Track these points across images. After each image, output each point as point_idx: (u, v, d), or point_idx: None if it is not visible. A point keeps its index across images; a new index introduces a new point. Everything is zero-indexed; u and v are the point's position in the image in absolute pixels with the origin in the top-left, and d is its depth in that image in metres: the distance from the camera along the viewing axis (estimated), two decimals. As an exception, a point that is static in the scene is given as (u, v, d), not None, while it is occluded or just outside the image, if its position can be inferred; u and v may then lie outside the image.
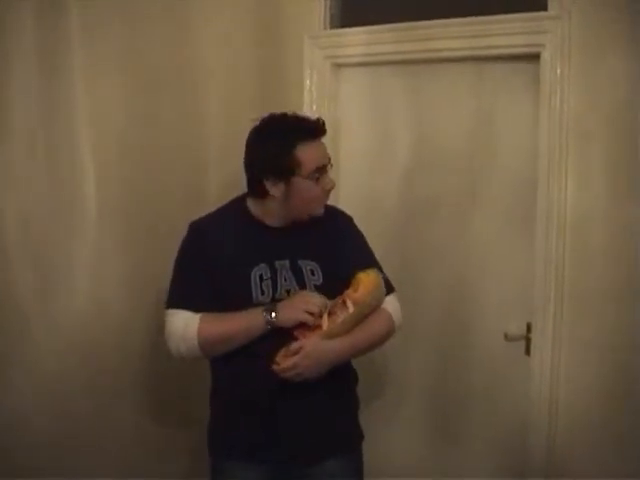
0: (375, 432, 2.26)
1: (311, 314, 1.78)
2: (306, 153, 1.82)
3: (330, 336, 1.78)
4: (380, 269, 1.93)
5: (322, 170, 1.85)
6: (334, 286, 1.85)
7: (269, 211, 1.89)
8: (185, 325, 1.83)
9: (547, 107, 2.10)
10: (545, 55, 2.10)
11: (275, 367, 1.77)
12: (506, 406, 2.29)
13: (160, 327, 2.12)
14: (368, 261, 1.92)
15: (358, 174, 2.56)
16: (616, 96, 2.01)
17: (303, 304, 1.78)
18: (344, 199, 2.44)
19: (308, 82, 2.56)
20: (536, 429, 2.18)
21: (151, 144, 2.19)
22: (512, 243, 2.28)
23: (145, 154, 2.18)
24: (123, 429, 2.15)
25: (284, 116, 1.86)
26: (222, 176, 2.33)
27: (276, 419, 1.85)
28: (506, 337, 2.26)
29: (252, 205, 1.92)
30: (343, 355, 1.82)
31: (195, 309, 1.85)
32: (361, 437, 2.01)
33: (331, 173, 1.90)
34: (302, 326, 1.79)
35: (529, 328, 2.22)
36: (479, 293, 2.36)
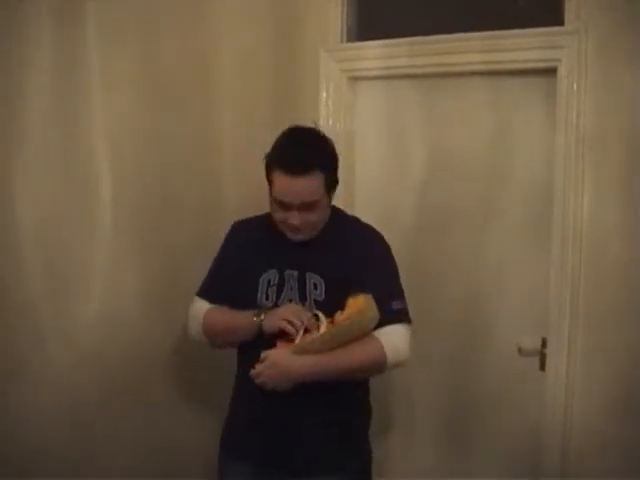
0: (387, 447, 2.26)
1: (292, 326, 1.78)
2: (276, 180, 1.83)
3: (300, 351, 1.76)
4: (402, 300, 1.87)
5: (283, 206, 1.83)
6: (339, 305, 1.81)
7: None
8: (198, 311, 1.97)
9: (563, 122, 2.09)
10: (562, 70, 2.09)
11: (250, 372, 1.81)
12: (519, 423, 2.27)
13: (176, 338, 2.18)
14: (384, 289, 1.84)
15: (373, 187, 2.55)
16: (633, 111, 2.00)
17: (286, 314, 1.80)
18: (359, 212, 2.38)
19: (324, 95, 2.55)
20: (550, 447, 2.15)
21: (168, 155, 2.19)
22: (527, 256, 2.26)
23: (162, 164, 2.18)
24: (138, 440, 2.14)
25: (289, 133, 1.86)
26: (239, 188, 2.34)
27: (269, 428, 1.88)
28: (520, 352, 2.24)
29: None
30: (310, 372, 1.76)
31: (211, 300, 1.98)
32: (362, 460, 1.98)
33: (313, 216, 1.83)
34: (284, 337, 1.80)
35: (544, 343, 2.20)
36: (493, 306, 2.34)
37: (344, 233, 1.93)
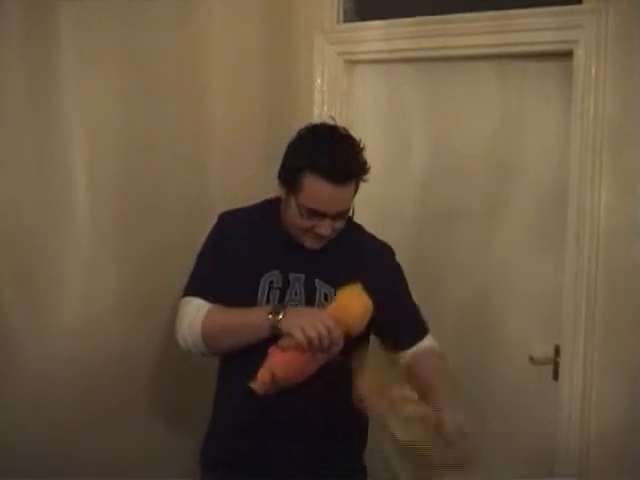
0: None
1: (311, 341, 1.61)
2: (310, 186, 1.68)
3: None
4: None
5: (315, 214, 1.70)
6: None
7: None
8: (197, 312, 1.77)
9: (580, 110, 2.05)
10: (578, 52, 2.05)
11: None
12: (533, 436, 2.21)
13: (158, 345, 2.10)
14: (413, 305, 1.87)
15: (371, 180, 2.37)
16: (657, 97, 1.97)
17: (320, 323, 1.60)
18: (356, 208, 2.32)
19: (319, 81, 2.49)
20: (565, 462, 2.11)
21: (149, 150, 2.10)
22: (539, 258, 2.21)
23: (142, 160, 2.09)
24: (118, 449, 2.07)
25: (324, 135, 1.73)
26: (225, 186, 2.25)
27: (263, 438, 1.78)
28: (532, 361, 2.20)
29: (282, 206, 1.83)
30: None
31: (211, 299, 1.78)
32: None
33: (341, 224, 1.74)
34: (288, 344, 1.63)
35: (557, 351, 2.16)
36: (502, 312, 2.29)
37: (360, 245, 1.85)
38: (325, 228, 1.71)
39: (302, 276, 1.77)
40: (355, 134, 2.31)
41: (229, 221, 1.87)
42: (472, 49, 2.22)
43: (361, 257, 1.81)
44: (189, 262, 1.92)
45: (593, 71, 2.01)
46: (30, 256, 1.89)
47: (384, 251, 1.87)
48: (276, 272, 1.77)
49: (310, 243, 1.76)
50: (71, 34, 1.90)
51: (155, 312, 2.06)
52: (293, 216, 1.73)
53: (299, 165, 1.69)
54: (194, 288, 1.81)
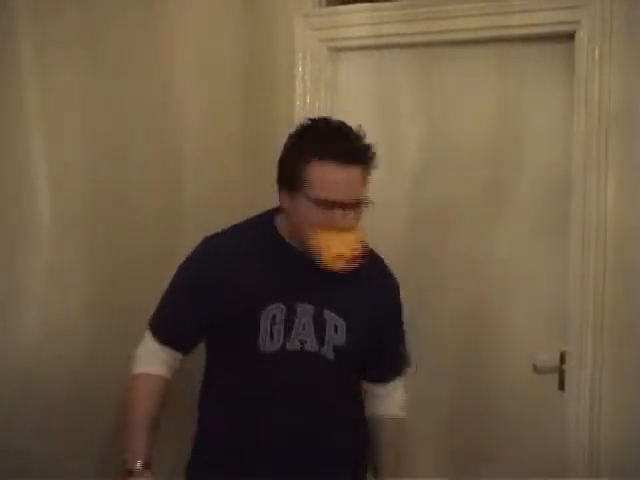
0: None
1: None
2: (321, 174, 1.58)
3: None
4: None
5: (328, 205, 1.58)
6: (354, 352, 1.70)
7: (287, 229, 1.69)
8: (137, 362, 1.72)
9: (583, 95, 2.00)
10: (581, 34, 2.00)
11: None
12: (538, 450, 2.14)
13: (125, 362, 1.93)
14: (402, 342, 1.83)
15: None
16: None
17: None
18: None
19: (300, 69, 2.38)
20: (575, 478, 2.04)
21: (117, 149, 2.03)
22: (542, 256, 2.16)
23: (110, 161, 2.02)
24: (78, 470, 1.97)
25: (322, 121, 1.68)
26: (201, 189, 2.18)
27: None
28: (535, 369, 2.14)
29: (279, 221, 1.70)
30: None
31: (167, 343, 1.71)
32: None
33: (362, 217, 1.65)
34: None
35: (563, 358, 2.10)
36: (503, 317, 2.23)
37: (374, 275, 1.74)
38: (343, 219, 1.59)
39: (310, 307, 1.64)
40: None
41: (216, 246, 1.71)
42: (466, 33, 2.15)
43: (372, 288, 1.73)
44: (161, 272, 1.82)
45: (597, 54, 1.95)
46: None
47: (394, 285, 1.82)
48: (280, 304, 1.63)
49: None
50: (29, 22, 1.80)
51: (125, 326, 1.93)
52: (304, 217, 1.60)
53: (303, 156, 1.60)
54: (154, 325, 1.73)
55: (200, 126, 2.18)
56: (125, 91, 2.03)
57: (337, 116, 2.31)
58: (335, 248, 1.58)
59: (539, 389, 2.13)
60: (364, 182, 1.63)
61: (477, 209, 2.24)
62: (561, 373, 2.08)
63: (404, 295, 1.84)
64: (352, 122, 2.30)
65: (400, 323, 1.83)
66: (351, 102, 2.39)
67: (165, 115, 2.12)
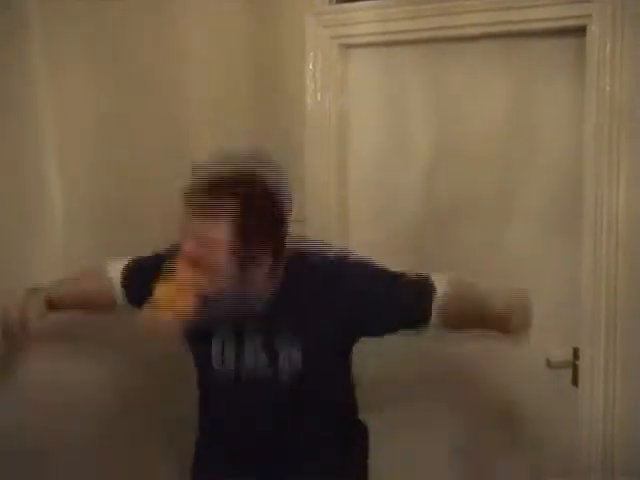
0: (402, 473, 2.18)
1: None
2: None
3: None
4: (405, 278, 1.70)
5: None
6: (318, 366, 1.62)
7: None
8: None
9: (595, 91, 1.97)
10: (592, 28, 1.96)
11: None
12: (551, 445, 2.12)
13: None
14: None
15: (369, 172, 2.38)
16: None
17: None
18: (352, 202, 2.30)
19: (311, 67, 2.37)
20: (588, 473, 2.02)
21: (128, 148, 2.07)
22: (554, 253, 2.13)
23: (119, 159, 2.05)
24: None
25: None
26: None
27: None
28: (548, 364, 2.12)
29: None
30: None
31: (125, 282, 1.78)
32: None
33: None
34: None
35: (576, 354, 2.08)
36: None
37: (313, 275, 1.63)
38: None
39: (256, 338, 1.61)
40: (351, 122, 2.26)
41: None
42: (475, 28, 2.12)
43: (321, 288, 1.60)
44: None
45: (608, 48, 1.92)
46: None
47: (339, 270, 1.64)
48: (226, 336, 1.63)
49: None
50: (40, 22, 1.84)
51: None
52: None
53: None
54: (125, 274, 1.78)
55: (211, 125, 2.18)
56: (134, 91, 2.05)
57: (347, 113, 2.34)
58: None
59: (552, 384, 2.12)
60: None
61: (487, 205, 2.22)
62: (574, 368, 2.07)
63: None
64: (362, 119, 2.32)
65: (379, 288, 1.63)
66: (361, 99, 2.37)
67: (176, 115, 2.14)
